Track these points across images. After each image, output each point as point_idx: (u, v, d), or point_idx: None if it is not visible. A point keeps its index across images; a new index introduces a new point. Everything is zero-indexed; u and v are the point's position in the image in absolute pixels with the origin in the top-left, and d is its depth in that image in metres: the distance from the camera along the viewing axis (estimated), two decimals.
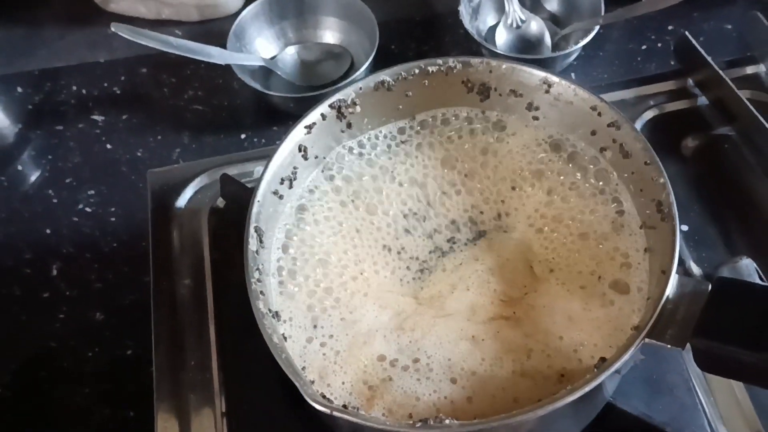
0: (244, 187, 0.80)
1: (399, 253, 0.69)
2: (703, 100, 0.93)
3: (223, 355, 0.76)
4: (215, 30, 1.08)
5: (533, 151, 0.72)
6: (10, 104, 1.04)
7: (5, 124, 1.03)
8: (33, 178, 0.97)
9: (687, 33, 0.93)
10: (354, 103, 0.70)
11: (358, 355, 0.61)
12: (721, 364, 0.52)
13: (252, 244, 0.61)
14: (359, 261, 0.68)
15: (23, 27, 1.13)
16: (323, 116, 0.69)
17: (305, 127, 0.68)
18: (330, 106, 0.69)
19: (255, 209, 0.62)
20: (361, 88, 0.70)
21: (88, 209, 0.93)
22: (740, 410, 0.70)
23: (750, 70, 0.96)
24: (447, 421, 0.52)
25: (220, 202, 0.85)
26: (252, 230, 0.61)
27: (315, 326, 0.63)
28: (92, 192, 0.95)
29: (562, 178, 0.70)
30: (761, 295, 0.53)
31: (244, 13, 1.02)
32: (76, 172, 0.97)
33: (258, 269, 0.60)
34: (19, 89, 1.06)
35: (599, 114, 0.67)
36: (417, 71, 0.70)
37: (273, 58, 1.04)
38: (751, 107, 0.84)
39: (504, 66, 0.70)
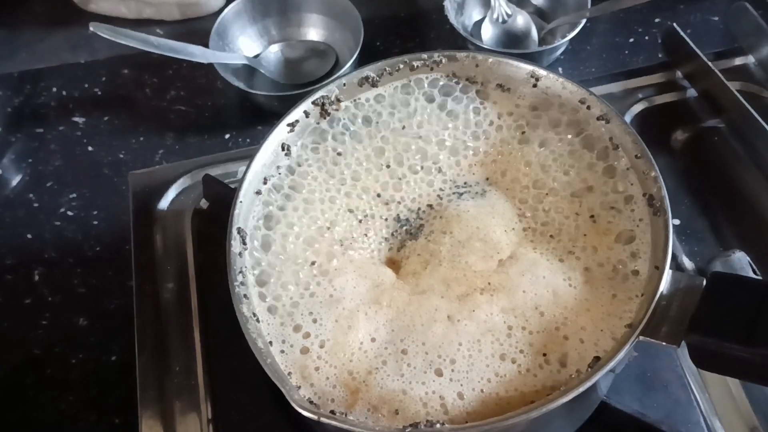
0: (227, 188, 0.78)
1: (369, 219, 0.67)
2: (692, 92, 0.92)
3: (209, 359, 0.75)
4: (197, 29, 1.06)
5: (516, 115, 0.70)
6: None
7: None
8: (14, 182, 0.95)
9: (675, 25, 0.92)
10: (338, 100, 0.68)
11: (343, 342, 0.58)
12: (717, 360, 0.51)
13: (235, 246, 0.60)
14: (340, 238, 0.65)
15: (2, 29, 1.11)
16: (306, 113, 0.67)
17: (288, 125, 0.66)
18: (313, 103, 0.68)
19: (237, 210, 0.61)
20: (344, 84, 0.68)
21: (70, 213, 0.92)
22: (735, 406, 0.70)
23: (738, 61, 0.96)
24: (438, 426, 0.51)
25: (204, 204, 0.84)
26: (234, 232, 0.60)
27: (298, 306, 0.61)
28: (74, 195, 0.93)
29: (545, 138, 0.68)
30: (755, 289, 0.52)
31: (226, 11, 1.00)
32: (58, 176, 0.95)
33: (241, 272, 0.59)
34: None
35: (588, 107, 0.66)
36: (401, 66, 0.69)
37: (256, 56, 1.03)
38: (741, 98, 0.84)
39: (490, 60, 0.69)
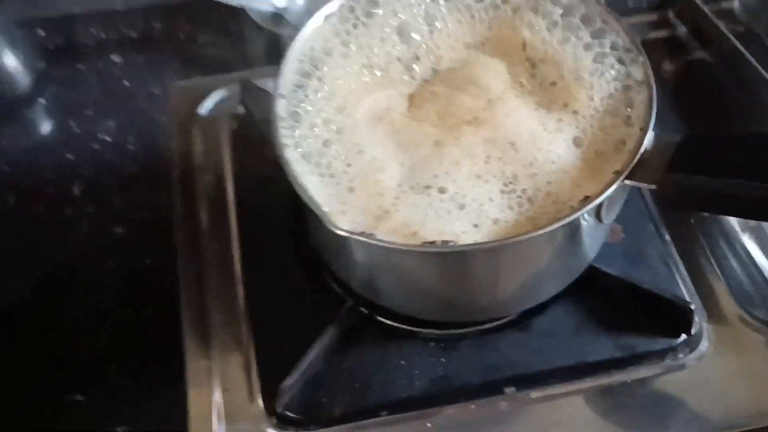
0: (263, 92, 0.84)
1: (395, 72, 0.74)
2: (682, 30, 1.00)
3: (243, 249, 0.81)
4: None
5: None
6: (32, 46, 1.10)
7: (28, 63, 1.08)
8: (55, 110, 1.02)
9: None
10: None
11: (373, 177, 0.65)
12: (689, 196, 0.59)
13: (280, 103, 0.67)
14: (370, 80, 0.73)
15: None
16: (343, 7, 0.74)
17: (325, 17, 0.73)
18: None
19: (283, 76, 0.69)
20: None
21: (107, 137, 0.98)
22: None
23: (725, 5, 1.02)
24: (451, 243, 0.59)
25: (241, 110, 0.91)
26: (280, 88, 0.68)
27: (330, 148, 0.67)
28: (111, 123, 0.99)
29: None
30: (723, 139, 0.60)
31: None
32: (96, 105, 1.01)
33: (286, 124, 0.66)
34: (41, 32, 1.11)
35: None
36: None
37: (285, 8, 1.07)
38: (726, 31, 0.91)
39: None
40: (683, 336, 0.72)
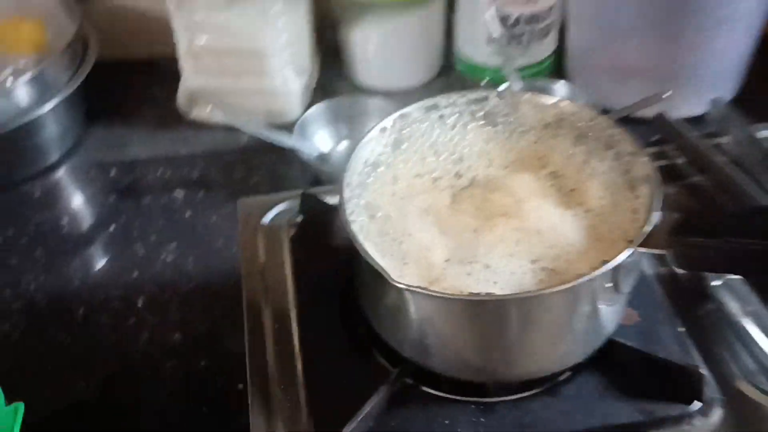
0: (320, 203, 0.98)
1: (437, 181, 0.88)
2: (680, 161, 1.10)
3: (302, 327, 0.91)
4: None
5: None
6: (106, 183, 1.25)
7: (101, 198, 1.23)
8: (123, 237, 1.15)
9: None
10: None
11: (425, 255, 0.77)
12: (695, 256, 0.70)
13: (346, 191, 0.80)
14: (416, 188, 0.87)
15: (121, 128, 1.36)
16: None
17: (380, 129, 0.88)
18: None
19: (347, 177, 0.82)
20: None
21: (169, 259, 1.10)
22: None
23: (716, 141, 1.12)
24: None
25: (299, 219, 1.03)
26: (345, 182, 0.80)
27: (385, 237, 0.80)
28: (174, 246, 1.12)
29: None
30: (720, 213, 0.71)
31: (306, 115, 1.23)
32: (160, 232, 1.15)
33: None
34: (114, 172, 1.27)
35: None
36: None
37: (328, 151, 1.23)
38: (720, 162, 1.04)
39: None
40: (696, 403, 0.80)
